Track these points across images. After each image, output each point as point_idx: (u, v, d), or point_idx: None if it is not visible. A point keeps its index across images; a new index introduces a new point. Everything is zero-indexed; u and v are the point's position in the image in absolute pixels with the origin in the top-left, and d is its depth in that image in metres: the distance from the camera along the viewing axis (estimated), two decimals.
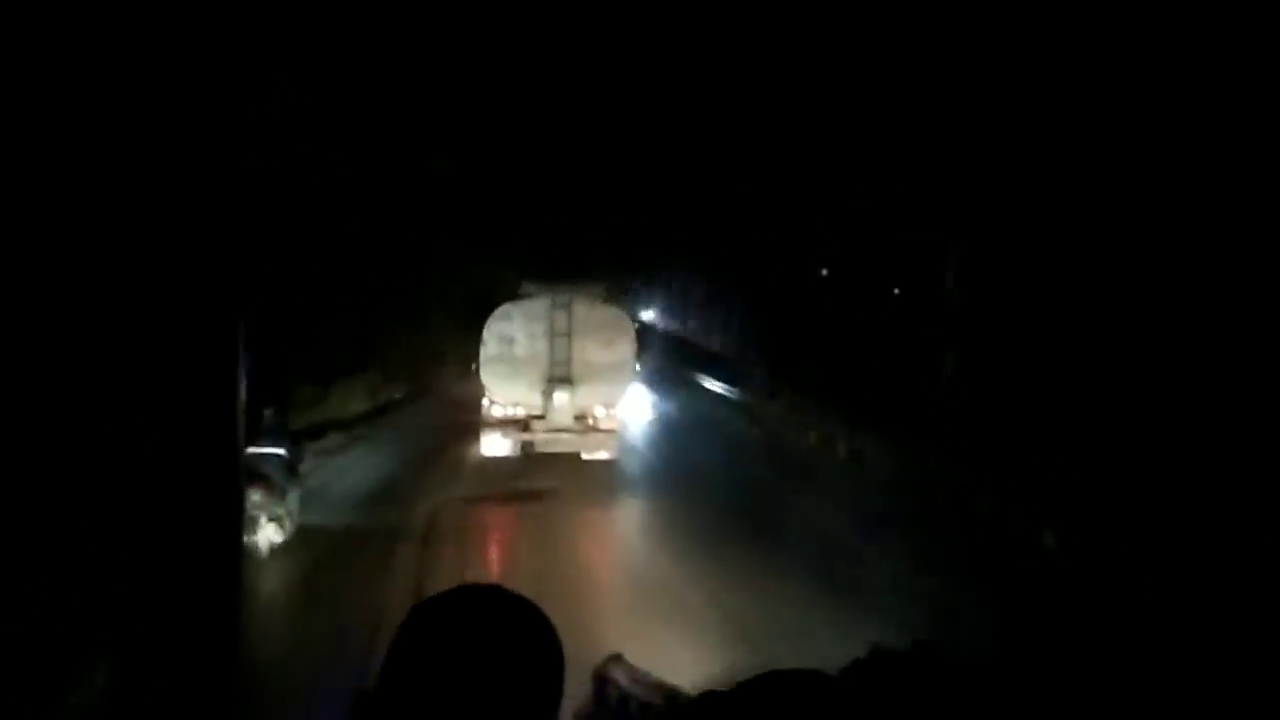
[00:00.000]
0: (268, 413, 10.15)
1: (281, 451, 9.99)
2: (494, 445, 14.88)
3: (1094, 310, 12.84)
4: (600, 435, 14.86)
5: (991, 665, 1.43)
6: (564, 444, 14.79)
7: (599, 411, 14.87)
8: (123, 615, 1.51)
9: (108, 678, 1.51)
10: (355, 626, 6.79)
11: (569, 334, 14.78)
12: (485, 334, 15.01)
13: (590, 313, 15.03)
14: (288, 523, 9.69)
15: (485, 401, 15.08)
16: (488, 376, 15.01)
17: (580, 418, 14.83)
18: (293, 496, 10.03)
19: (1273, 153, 9.89)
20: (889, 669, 1.38)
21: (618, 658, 1.99)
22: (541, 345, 14.75)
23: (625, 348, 15.17)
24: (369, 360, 18.73)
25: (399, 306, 18.82)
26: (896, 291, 21.13)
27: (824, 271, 24.34)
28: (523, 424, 14.78)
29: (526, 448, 14.80)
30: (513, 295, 15.44)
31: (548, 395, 14.65)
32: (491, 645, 1.05)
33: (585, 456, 14.83)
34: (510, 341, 14.85)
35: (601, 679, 1.93)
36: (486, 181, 18.38)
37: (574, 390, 14.73)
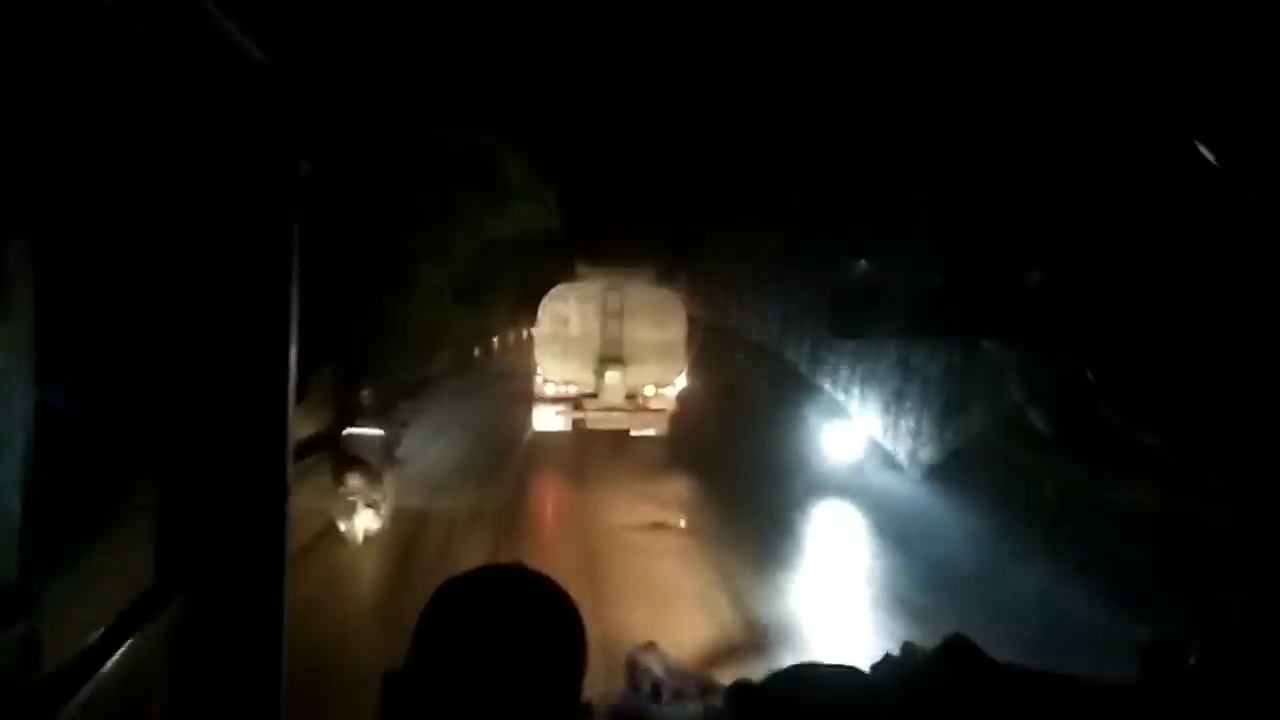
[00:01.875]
0: (365, 393, 9.86)
1: (379, 433, 9.61)
2: (546, 421, 15.29)
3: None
4: (650, 414, 15.20)
5: (1019, 665, 1.43)
6: (614, 421, 15.14)
7: (649, 391, 15.22)
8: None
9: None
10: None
11: (621, 314, 15.12)
12: (540, 314, 15.43)
13: (642, 294, 15.36)
14: (384, 508, 9.36)
15: (539, 379, 15.48)
16: (542, 355, 15.42)
17: (631, 397, 15.17)
18: (389, 480, 9.67)
19: None
20: (920, 665, 1.38)
21: (650, 645, 2.00)
22: (594, 325, 15.11)
23: (676, 328, 15.46)
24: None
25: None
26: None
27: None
28: (575, 402, 15.17)
29: (578, 424, 15.20)
30: (568, 277, 15.81)
31: (600, 374, 15.00)
32: (516, 624, 1.07)
33: (635, 433, 15.21)
34: (564, 321, 15.22)
35: (634, 666, 1.94)
36: (542, 161, 18.80)
37: (625, 370, 15.07)
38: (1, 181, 1.02)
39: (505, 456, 14.13)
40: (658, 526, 10.79)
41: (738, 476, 12.92)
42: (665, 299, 15.65)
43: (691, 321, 16.61)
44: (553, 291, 15.56)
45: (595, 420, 15.15)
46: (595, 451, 14.64)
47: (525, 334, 23.56)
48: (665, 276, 16.47)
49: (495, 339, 28.15)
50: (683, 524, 10.94)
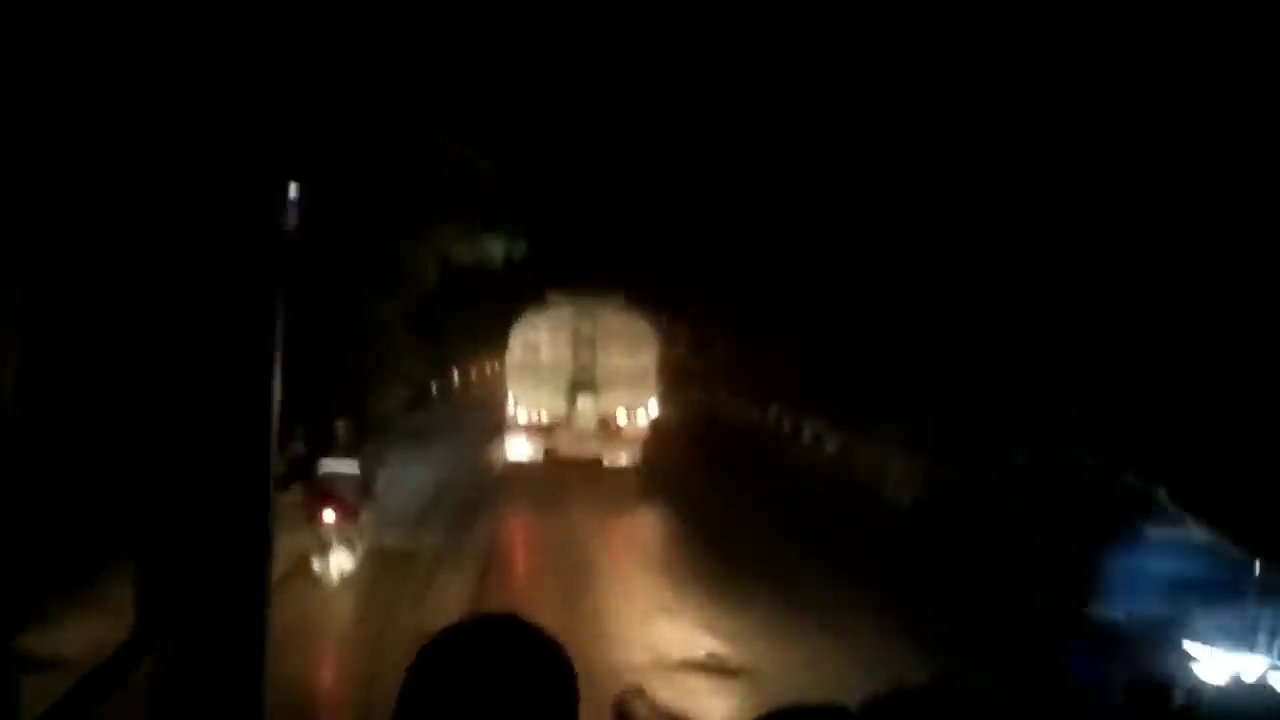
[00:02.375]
0: (340, 424, 9.37)
1: (354, 469, 9.13)
2: (518, 450, 15.05)
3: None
4: (623, 442, 15.04)
5: (1012, 702, 1.49)
6: (588, 450, 14.94)
7: (622, 418, 15.06)
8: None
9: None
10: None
11: (593, 341, 15.01)
12: (511, 340, 15.29)
13: (614, 320, 15.28)
14: (359, 546, 8.96)
15: (510, 407, 15.28)
16: (512, 382, 15.26)
17: (603, 424, 15.01)
18: (366, 517, 9.27)
19: None
20: (909, 703, 1.36)
21: (639, 691, 1.99)
22: (566, 352, 14.98)
23: (648, 355, 15.39)
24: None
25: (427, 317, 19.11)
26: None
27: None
28: (546, 430, 14.97)
29: (549, 453, 14.97)
30: (538, 303, 15.67)
31: (571, 401, 14.85)
32: (506, 673, 1.04)
33: (606, 463, 14.97)
34: (535, 349, 15.09)
35: (621, 712, 1.92)
36: (512, 187, 18.70)
37: (597, 396, 14.93)
38: None
39: (478, 492, 13.71)
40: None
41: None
42: (637, 325, 15.56)
43: (664, 348, 16.59)
44: (522, 318, 15.46)
45: (567, 448, 14.94)
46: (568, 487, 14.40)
47: (496, 364, 23.47)
48: (637, 303, 16.42)
49: (471, 369, 27.36)
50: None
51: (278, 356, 1.59)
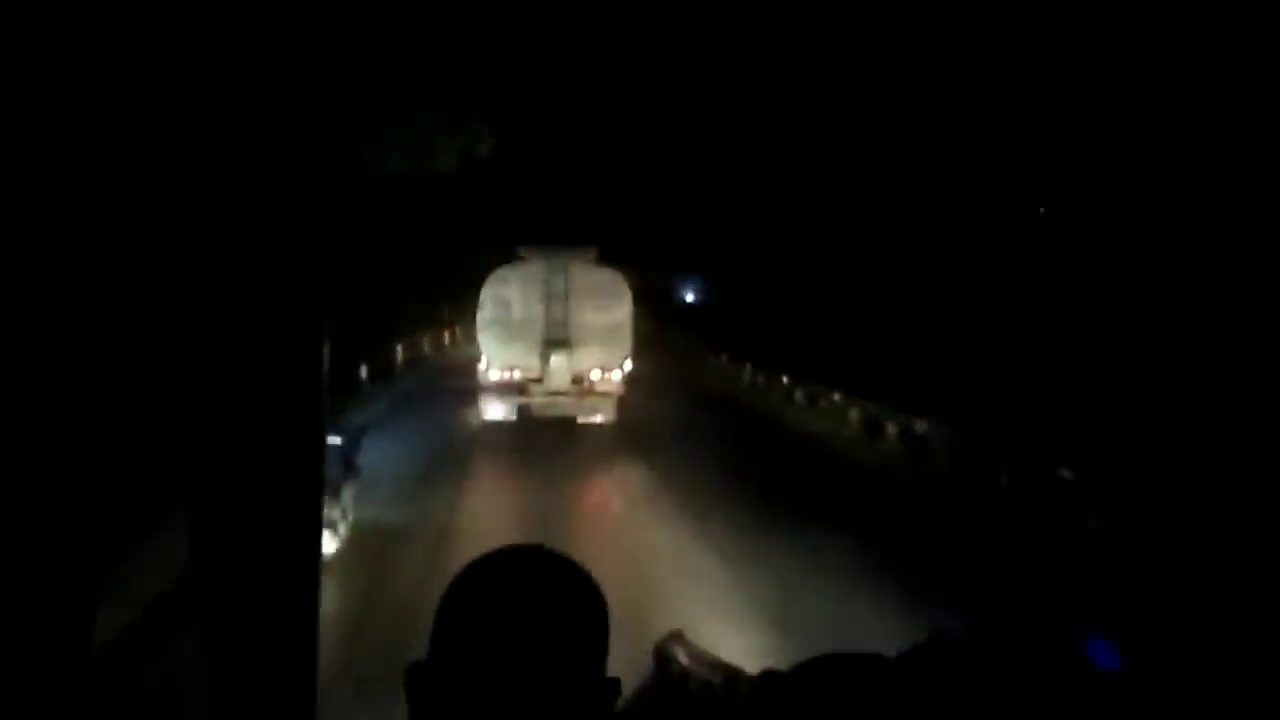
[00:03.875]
0: None
1: (336, 441, 8.72)
2: (492, 409, 14.88)
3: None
4: (597, 398, 14.87)
5: (1049, 654, 1.44)
6: (561, 408, 14.79)
7: (595, 375, 14.89)
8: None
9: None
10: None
11: (566, 297, 14.76)
12: (482, 297, 14.99)
13: (587, 276, 15.00)
14: (342, 527, 8.49)
15: (482, 365, 15.06)
16: (485, 340, 15.01)
17: (577, 381, 14.82)
18: (347, 494, 8.86)
19: None
20: (948, 654, 1.37)
21: (678, 635, 1.99)
22: (538, 308, 14.72)
23: (622, 311, 15.14)
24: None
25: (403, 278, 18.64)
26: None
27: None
28: (520, 387, 14.78)
29: (524, 411, 14.80)
30: (509, 259, 15.40)
31: (544, 358, 14.64)
32: (539, 601, 1.04)
33: (581, 420, 14.84)
34: (507, 305, 14.83)
35: (662, 656, 1.92)
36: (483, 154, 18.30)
37: (571, 353, 14.71)
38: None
39: (458, 457, 13.26)
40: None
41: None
42: (610, 281, 15.31)
43: (639, 301, 16.32)
44: (494, 275, 15.15)
45: (541, 406, 14.78)
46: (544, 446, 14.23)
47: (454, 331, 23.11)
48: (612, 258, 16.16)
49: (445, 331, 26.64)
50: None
51: (326, 328, 1.62)
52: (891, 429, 14.73)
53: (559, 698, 1.02)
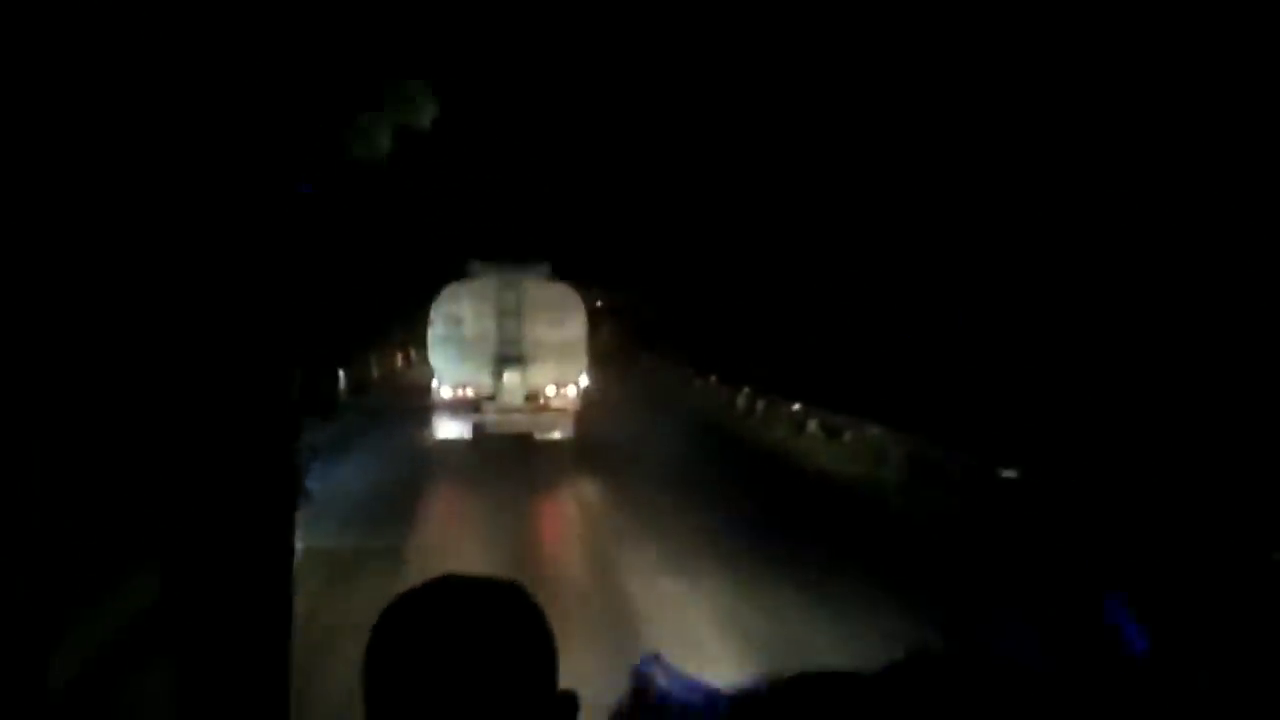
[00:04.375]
0: None
1: None
2: (446, 428, 14.67)
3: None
4: (553, 414, 14.73)
5: (1036, 670, 1.39)
6: (515, 425, 14.64)
7: (550, 391, 14.75)
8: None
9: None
10: None
11: (518, 313, 14.64)
12: (432, 314, 14.84)
13: (539, 291, 14.89)
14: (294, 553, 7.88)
15: (434, 383, 14.87)
16: (436, 358, 14.84)
17: (532, 398, 14.70)
18: (299, 518, 8.20)
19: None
20: (929, 671, 1.33)
21: (656, 657, 1.88)
22: (490, 325, 14.59)
23: (576, 326, 15.05)
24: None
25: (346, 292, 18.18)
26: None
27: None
28: (473, 405, 14.59)
29: (478, 430, 14.60)
30: (459, 275, 15.23)
31: (497, 375, 14.51)
32: (474, 625, 0.98)
33: (539, 437, 14.67)
34: (458, 322, 14.68)
35: (640, 678, 1.82)
36: (429, 161, 17.94)
37: (525, 370, 14.59)
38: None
39: (411, 478, 12.94)
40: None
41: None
42: (563, 295, 15.21)
43: (595, 317, 16.23)
44: (444, 291, 15.00)
45: (496, 424, 14.61)
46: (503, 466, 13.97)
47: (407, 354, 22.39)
48: (565, 273, 16.04)
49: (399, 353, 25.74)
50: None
51: (291, 324, 1.64)
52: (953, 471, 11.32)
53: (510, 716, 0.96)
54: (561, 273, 15.85)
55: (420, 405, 16.17)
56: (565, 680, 1.01)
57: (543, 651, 1.01)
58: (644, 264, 30.47)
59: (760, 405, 18.98)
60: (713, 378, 23.47)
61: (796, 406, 16.90)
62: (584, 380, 15.42)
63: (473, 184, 19.83)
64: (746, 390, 20.05)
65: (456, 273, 15.33)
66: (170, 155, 1.45)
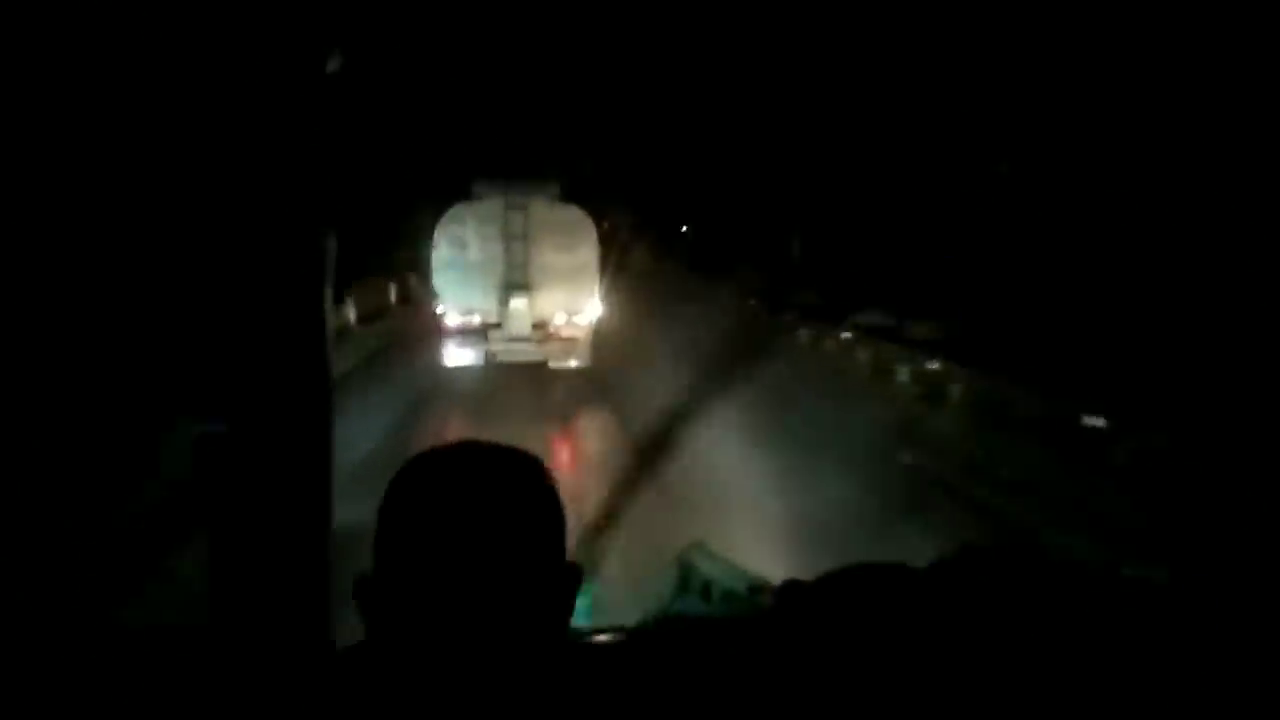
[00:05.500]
0: None
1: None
2: (455, 356, 14.16)
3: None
4: (565, 343, 14.13)
5: (1083, 567, 1.39)
6: (528, 353, 14.07)
7: (560, 319, 14.14)
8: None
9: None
10: None
11: (525, 237, 13.98)
12: (436, 236, 14.17)
13: (548, 214, 14.17)
14: None
15: (439, 309, 14.31)
16: (440, 282, 14.25)
17: (540, 326, 14.10)
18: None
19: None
20: (977, 565, 1.33)
21: (700, 544, 1.94)
22: (496, 248, 13.95)
23: (587, 251, 14.35)
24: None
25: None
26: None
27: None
28: (480, 332, 14.05)
29: (490, 357, 14.07)
30: (464, 196, 14.48)
31: (504, 302, 13.94)
32: (480, 492, 0.97)
33: (553, 365, 14.09)
34: (463, 245, 14.06)
35: (685, 565, 1.89)
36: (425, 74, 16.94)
37: (532, 296, 13.99)
38: None
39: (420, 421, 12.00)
40: None
41: None
42: (574, 219, 14.44)
43: (609, 240, 15.42)
44: (449, 213, 14.26)
45: (505, 352, 14.08)
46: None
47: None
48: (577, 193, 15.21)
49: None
50: None
51: (330, 248, 1.59)
52: None
53: (517, 588, 0.95)
54: (587, 188, 15.05)
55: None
56: None
57: (554, 521, 1.01)
58: (677, 180, 29.12)
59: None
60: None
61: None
62: (597, 307, 14.76)
63: (480, 94, 18.86)
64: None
65: (462, 193, 14.59)
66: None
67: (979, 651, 1.24)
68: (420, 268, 16.30)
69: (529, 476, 1.01)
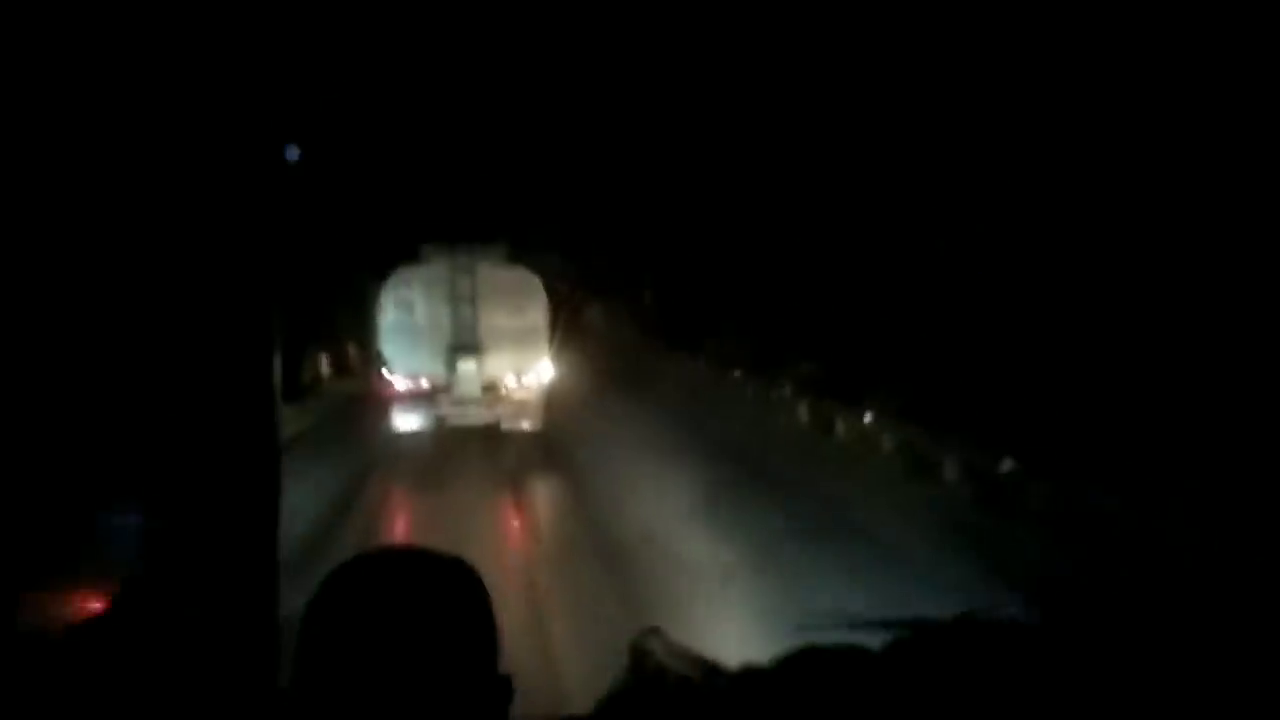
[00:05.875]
0: None
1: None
2: (403, 421, 13.93)
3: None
4: (515, 405, 14.01)
5: (1040, 638, 1.35)
6: (478, 416, 13.94)
7: (510, 381, 13.97)
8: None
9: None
10: None
11: (473, 298, 13.90)
12: (382, 299, 14.07)
13: (496, 275, 14.14)
14: None
15: (387, 374, 14.09)
16: (387, 346, 14.08)
17: (490, 388, 13.95)
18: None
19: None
20: (933, 644, 1.31)
21: (655, 630, 1.93)
22: (443, 310, 13.87)
23: (536, 312, 14.33)
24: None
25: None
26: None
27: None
28: (429, 396, 13.85)
29: (439, 421, 13.88)
30: (411, 258, 14.41)
31: (451, 365, 13.78)
32: (402, 602, 0.93)
33: (505, 427, 13.96)
34: (409, 308, 13.96)
35: (638, 651, 1.87)
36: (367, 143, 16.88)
37: (481, 358, 13.87)
38: None
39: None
40: None
41: None
42: (522, 280, 14.42)
43: (559, 302, 15.35)
44: (394, 275, 14.19)
45: (456, 416, 13.90)
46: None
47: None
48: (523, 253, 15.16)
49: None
50: None
51: (275, 303, 1.62)
52: None
53: (441, 703, 0.92)
54: (537, 249, 14.95)
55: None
56: None
57: (482, 630, 0.98)
58: (630, 231, 28.32)
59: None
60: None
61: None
62: (547, 369, 14.63)
63: (426, 158, 18.84)
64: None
65: (407, 255, 14.46)
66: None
67: None
68: (361, 334, 16.04)
69: (456, 586, 0.98)
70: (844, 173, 16.82)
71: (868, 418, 13.43)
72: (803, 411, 15.64)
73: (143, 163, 1.52)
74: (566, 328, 15.84)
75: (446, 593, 0.97)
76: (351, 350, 19.18)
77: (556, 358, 14.91)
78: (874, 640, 1.31)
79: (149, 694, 1.49)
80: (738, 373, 18.55)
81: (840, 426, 14.15)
